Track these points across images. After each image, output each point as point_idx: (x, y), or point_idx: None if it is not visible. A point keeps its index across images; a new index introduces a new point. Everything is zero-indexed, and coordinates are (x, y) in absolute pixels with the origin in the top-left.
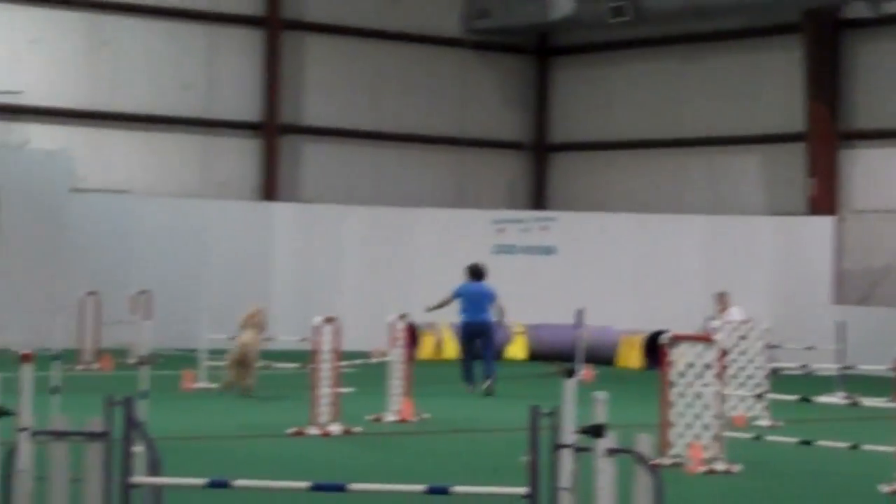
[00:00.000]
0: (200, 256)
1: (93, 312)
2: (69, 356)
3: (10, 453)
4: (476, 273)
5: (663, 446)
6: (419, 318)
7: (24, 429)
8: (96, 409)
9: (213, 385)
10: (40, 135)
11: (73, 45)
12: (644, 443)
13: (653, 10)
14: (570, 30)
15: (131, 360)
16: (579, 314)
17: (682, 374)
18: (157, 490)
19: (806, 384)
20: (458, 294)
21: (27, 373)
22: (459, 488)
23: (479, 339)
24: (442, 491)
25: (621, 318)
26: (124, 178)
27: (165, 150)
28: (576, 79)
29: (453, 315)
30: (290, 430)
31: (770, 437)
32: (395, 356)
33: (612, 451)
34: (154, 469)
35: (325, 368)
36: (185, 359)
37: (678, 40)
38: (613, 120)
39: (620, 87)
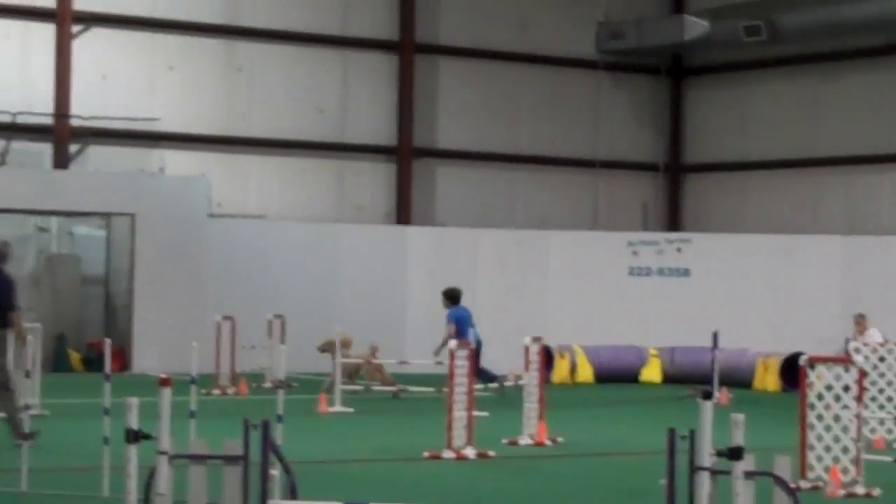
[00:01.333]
0: (335, 281)
1: (229, 337)
2: (206, 381)
3: (150, 476)
4: (459, 297)
5: (802, 469)
6: (553, 340)
7: (164, 452)
8: (232, 433)
9: (349, 409)
10: (177, 161)
11: (209, 71)
12: (783, 466)
13: (788, 28)
14: (705, 50)
15: (266, 385)
16: (715, 336)
17: (820, 397)
18: None
19: None
20: (457, 320)
21: (166, 397)
22: None
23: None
24: None
25: (757, 339)
26: (260, 203)
27: (300, 175)
28: (710, 99)
29: (587, 338)
30: (426, 454)
31: None
32: (530, 379)
33: (750, 474)
34: (292, 492)
35: (460, 392)
36: (320, 383)
37: (814, 59)
38: (748, 140)
39: (755, 107)
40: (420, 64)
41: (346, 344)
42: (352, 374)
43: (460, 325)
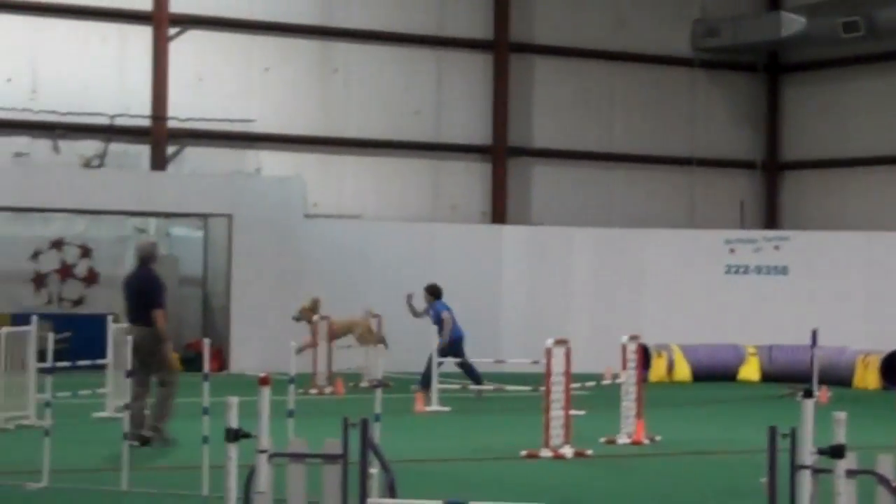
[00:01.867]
0: (430, 280)
1: (326, 337)
2: (302, 380)
3: (250, 475)
4: (441, 293)
5: None
6: (650, 339)
7: (263, 451)
8: (330, 432)
9: (446, 408)
10: (273, 162)
11: (305, 72)
12: (886, 464)
13: (886, 24)
14: (802, 46)
15: (363, 384)
16: (814, 334)
17: None
18: None
19: None
20: (449, 313)
21: (265, 396)
22: None
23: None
24: None
25: (855, 337)
26: (356, 204)
27: (395, 175)
28: (808, 96)
29: (684, 336)
30: (523, 453)
31: None
32: (628, 378)
33: (852, 473)
34: (391, 491)
35: (557, 391)
36: (415, 383)
37: None
38: (847, 136)
39: (854, 104)
40: (515, 63)
41: (314, 308)
42: (337, 335)
43: (451, 315)
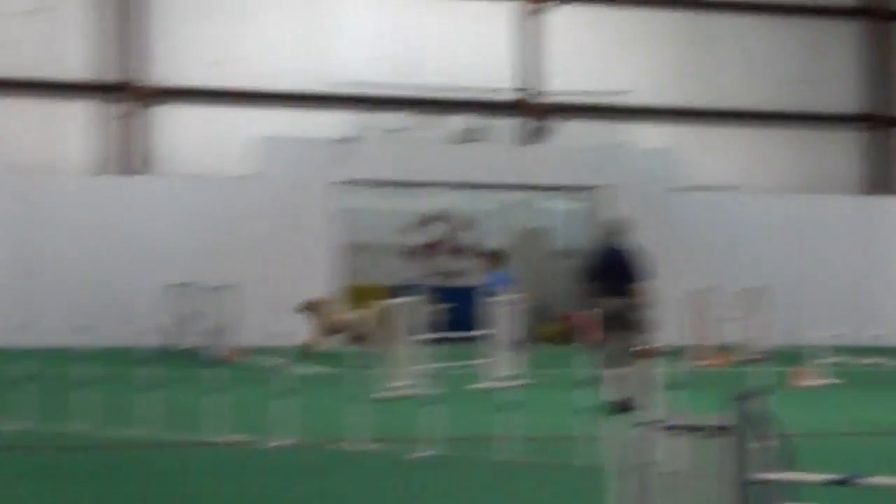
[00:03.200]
0: (807, 253)
1: (703, 310)
2: (683, 353)
3: (632, 446)
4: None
5: None
6: None
7: (647, 423)
8: (715, 405)
9: (824, 382)
10: (646, 134)
11: (677, 44)
12: None
13: None
14: None
15: (739, 357)
16: None
17: None
18: (781, 486)
19: None
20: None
21: (650, 368)
22: None
23: None
24: None
25: None
26: (728, 176)
27: (768, 146)
28: None
29: None
30: None
31: None
32: None
33: None
34: (787, 464)
35: None
36: (793, 356)
37: None
38: None
39: None
40: (895, 31)
41: (319, 305)
42: (332, 330)
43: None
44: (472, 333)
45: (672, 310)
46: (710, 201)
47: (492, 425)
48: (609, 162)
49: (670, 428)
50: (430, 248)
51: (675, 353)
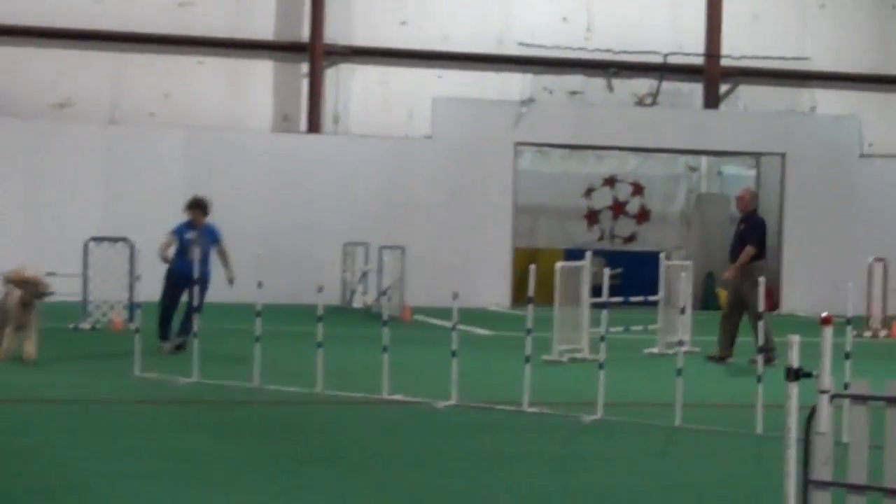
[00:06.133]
0: None
1: (881, 279)
2: (857, 323)
3: (810, 415)
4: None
5: None
6: None
7: (825, 391)
8: (889, 374)
9: None
10: (828, 100)
11: (862, 9)
12: None
13: None
14: None
15: None
16: None
17: None
18: None
19: None
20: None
21: (827, 336)
22: None
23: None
24: None
25: None
26: None
27: None
28: None
29: None
30: None
31: None
32: None
33: None
34: None
35: None
36: None
37: None
38: None
39: None
40: None
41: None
42: None
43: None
44: (647, 298)
45: (852, 279)
46: (891, 170)
47: (665, 391)
48: (789, 128)
49: (846, 397)
50: (608, 212)
51: (851, 322)
